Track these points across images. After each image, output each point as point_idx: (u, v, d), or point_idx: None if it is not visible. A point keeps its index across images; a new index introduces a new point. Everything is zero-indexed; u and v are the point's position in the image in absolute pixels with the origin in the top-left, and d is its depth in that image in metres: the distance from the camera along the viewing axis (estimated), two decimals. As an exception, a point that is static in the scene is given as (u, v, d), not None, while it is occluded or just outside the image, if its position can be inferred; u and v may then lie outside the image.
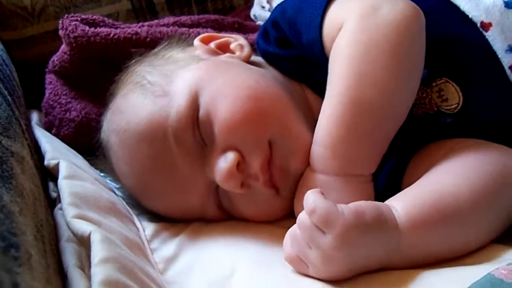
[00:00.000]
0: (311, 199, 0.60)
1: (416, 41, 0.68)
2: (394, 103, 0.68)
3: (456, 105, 0.73)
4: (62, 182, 0.68)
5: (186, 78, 0.73)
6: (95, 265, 0.53)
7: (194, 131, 0.71)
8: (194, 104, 0.71)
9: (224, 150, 0.70)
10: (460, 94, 0.72)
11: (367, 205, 0.60)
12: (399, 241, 0.61)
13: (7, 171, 0.51)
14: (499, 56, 0.70)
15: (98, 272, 0.52)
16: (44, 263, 0.49)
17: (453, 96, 0.72)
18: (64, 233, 0.63)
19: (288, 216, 0.74)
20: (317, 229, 0.59)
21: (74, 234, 0.59)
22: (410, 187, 0.67)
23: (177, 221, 0.76)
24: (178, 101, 0.71)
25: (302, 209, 0.61)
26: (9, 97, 0.69)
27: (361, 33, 0.68)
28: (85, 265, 0.59)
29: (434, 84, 0.73)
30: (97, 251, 0.55)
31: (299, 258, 0.62)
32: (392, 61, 0.67)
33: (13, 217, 0.44)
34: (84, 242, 0.58)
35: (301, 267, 0.62)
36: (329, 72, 0.70)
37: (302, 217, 0.61)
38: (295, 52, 0.78)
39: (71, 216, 0.61)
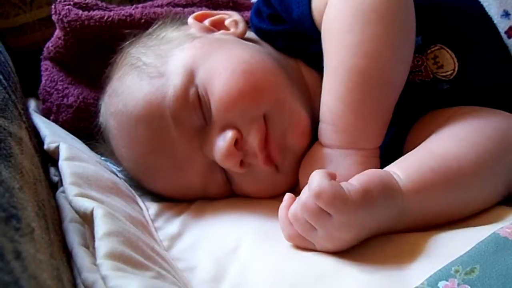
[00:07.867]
0: (316, 181, 0.58)
1: (403, 8, 0.68)
2: (387, 71, 0.68)
3: (452, 71, 0.73)
4: (63, 164, 0.68)
5: (181, 58, 0.73)
6: (99, 239, 0.53)
7: (191, 110, 0.70)
8: (190, 83, 0.71)
9: (223, 129, 0.70)
10: (456, 60, 0.72)
11: (371, 180, 0.60)
12: (402, 206, 0.61)
13: (5, 149, 0.51)
14: (495, 21, 0.70)
15: (102, 245, 0.52)
16: (48, 239, 0.49)
17: (448, 63, 0.72)
18: (68, 215, 0.63)
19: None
20: (323, 211, 0.58)
21: (77, 211, 0.59)
22: (409, 153, 0.67)
23: (180, 201, 0.76)
24: (174, 81, 0.71)
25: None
26: (4, 81, 0.69)
27: (347, 4, 0.67)
28: (89, 243, 0.59)
29: (429, 51, 0.72)
30: (100, 226, 0.55)
31: (302, 236, 0.61)
32: (380, 29, 0.66)
33: (13, 191, 0.44)
34: (87, 219, 0.58)
35: (305, 244, 0.62)
36: (323, 49, 0.70)
37: (305, 199, 0.59)
38: (288, 27, 0.78)
39: (73, 195, 0.61)
